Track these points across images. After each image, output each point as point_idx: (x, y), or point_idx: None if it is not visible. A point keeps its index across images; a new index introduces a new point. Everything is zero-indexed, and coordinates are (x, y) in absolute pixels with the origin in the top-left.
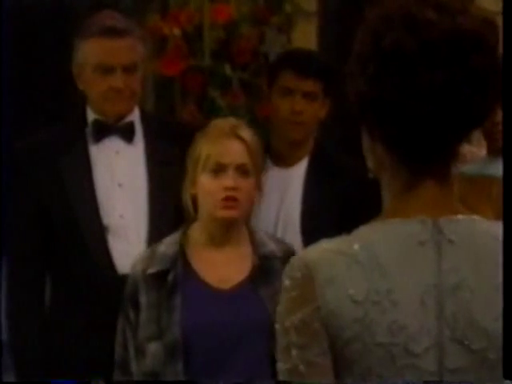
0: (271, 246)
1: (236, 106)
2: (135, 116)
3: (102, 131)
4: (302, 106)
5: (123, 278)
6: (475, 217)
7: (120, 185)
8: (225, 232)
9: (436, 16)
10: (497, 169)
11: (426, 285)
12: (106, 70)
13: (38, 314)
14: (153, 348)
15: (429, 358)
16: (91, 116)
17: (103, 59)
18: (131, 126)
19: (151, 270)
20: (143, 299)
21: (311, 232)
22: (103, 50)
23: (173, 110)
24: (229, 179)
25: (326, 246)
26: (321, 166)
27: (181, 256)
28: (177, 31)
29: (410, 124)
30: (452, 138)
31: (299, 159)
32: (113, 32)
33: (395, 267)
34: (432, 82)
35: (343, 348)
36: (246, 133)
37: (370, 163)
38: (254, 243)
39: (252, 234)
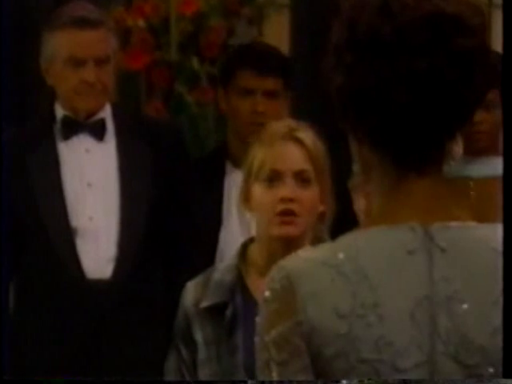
0: None
1: (205, 102)
2: (106, 113)
3: (72, 128)
4: (264, 105)
5: (92, 283)
6: (471, 223)
7: (90, 185)
8: (286, 252)
9: (413, 0)
10: (474, 169)
11: (417, 297)
12: (78, 62)
13: (2, 316)
14: None
15: (418, 375)
16: (60, 112)
17: (74, 51)
18: (102, 122)
19: (205, 303)
20: (199, 336)
21: None
22: (74, 42)
23: (137, 106)
24: (285, 189)
25: (308, 256)
26: None
27: (239, 284)
28: (141, 23)
29: (393, 116)
30: (441, 132)
31: None
32: (84, 23)
33: (383, 278)
34: (413, 69)
35: (326, 365)
36: (306, 135)
37: (356, 167)
38: None
39: None
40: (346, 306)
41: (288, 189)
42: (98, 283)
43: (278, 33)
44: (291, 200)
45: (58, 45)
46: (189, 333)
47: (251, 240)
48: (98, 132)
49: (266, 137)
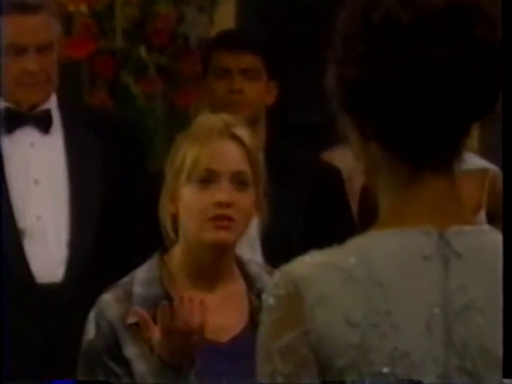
0: (266, 279)
1: (152, 93)
2: (52, 103)
3: (15, 121)
4: (241, 83)
5: (42, 287)
6: (486, 227)
7: (36, 181)
8: (216, 262)
9: None
10: None
11: (432, 305)
12: (18, 50)
13: None
14: None
15: None
16: (1, 104)
17: (14, 39)
18: (48, 114)
19: (133, 320)
20: (130, 351)
21: (273, 247)
22: (14, 28)
23: (80, 97)
24: (222, 192)
25: (315, 260)
26: (277, 164)
27: (165, 298)
28: (84, 8)
29: (409, 110)
30: (457, 127)
31: None
32: (25, 7)
33: (396, 285)
34: (432, 59)
35: (336, 378)
36: (245, 132)
37: (361, 165)
38: (248, 277)
39: (242, 265)
40: (358, 314)
41: (225, 192)
42: (49, 287)
43: (229, 20)
44: (228, 204)
45: None
46: (117, 347)
47: (172, 245)
48: (44, 124)
49: (199, 132)
